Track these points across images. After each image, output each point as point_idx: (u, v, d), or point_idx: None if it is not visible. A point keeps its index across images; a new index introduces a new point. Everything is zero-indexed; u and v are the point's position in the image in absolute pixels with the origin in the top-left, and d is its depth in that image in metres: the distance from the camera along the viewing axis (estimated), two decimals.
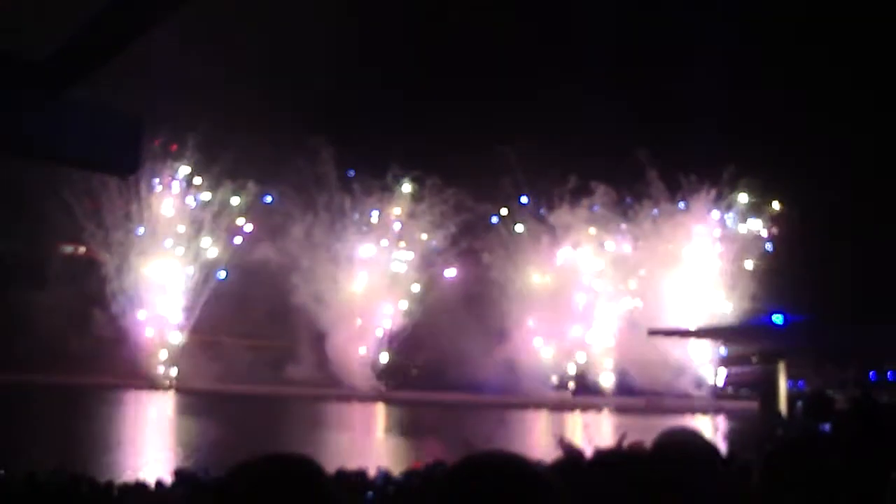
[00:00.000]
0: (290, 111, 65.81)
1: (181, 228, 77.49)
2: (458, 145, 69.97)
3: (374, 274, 77.60)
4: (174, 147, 75.42)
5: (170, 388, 72.15)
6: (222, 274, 77.42)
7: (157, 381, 73.16)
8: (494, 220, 78.98)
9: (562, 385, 76.69)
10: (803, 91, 68.30)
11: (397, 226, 78.94)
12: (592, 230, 77.85)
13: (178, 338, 76.37)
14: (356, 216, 78.30)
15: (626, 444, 3.56)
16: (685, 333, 51.61)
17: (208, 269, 77.31)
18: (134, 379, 69.75)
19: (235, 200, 78.12)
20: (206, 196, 78.17)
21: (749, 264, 76.40)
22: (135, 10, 6.57)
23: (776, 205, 75.61)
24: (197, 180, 77.83)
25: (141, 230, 76.64)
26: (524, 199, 78.74)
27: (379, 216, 78.85)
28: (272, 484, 2.63)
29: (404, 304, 77.35)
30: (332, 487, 2.72)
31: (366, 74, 73.48)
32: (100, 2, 6.51)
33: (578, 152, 69.68)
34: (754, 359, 47.98)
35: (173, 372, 75.43)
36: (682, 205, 77.15)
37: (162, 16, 6.83)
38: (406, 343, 76.78)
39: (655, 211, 76.81)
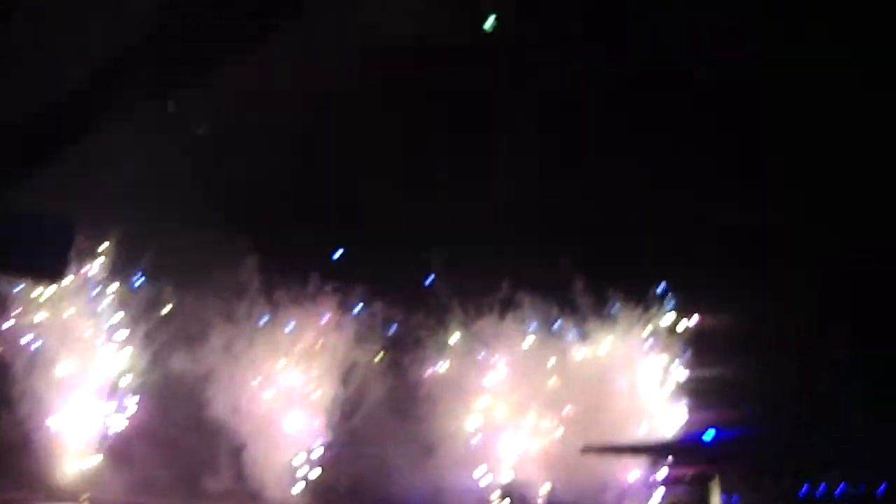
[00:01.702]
0: (213, 211, 64.89)
1: (94, 330, 75.36)
2: (385, 250, 69.30)
3: (296, 386, 76.03)
4: (99, 246, 73.98)
5: (80, 501, 68.37)
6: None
7: (65, 493, 70.19)
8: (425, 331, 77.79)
9: (492, 500, 75.15)
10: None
11: (320, 339, 77.32)
12: (524, 344, 77.55)
13: (89, 447, 73.81)
14: (276, 327, 76.85)
15: None
16: (619, 450, 51.24)
17: (122, 373, 74.97)
18: (38, 491, 66.32)
19: (153, 304, 76.49)
20: (120, 297, 76.32)
21: (680, 376, 76.35)
22: (69, 120, 5.78)
23: (699, 316, 75.76)
24: (111, 283, 75.86)
25: (52, 331, 74.28)
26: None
27: (300, 328, 77.34)
28: None
29: (328, 417, 75.13)
30: None
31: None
32: (29, 110, 5.69)
33: (507, 258, 68.95)
34: (687, 478, 47.65)
35: (84, 483, 72.58)
36: (610, 316, 77.22)
37: (94, 129, 6.05)
38: (333, 458, 74.65)
39: (584, 323, 76.51)
